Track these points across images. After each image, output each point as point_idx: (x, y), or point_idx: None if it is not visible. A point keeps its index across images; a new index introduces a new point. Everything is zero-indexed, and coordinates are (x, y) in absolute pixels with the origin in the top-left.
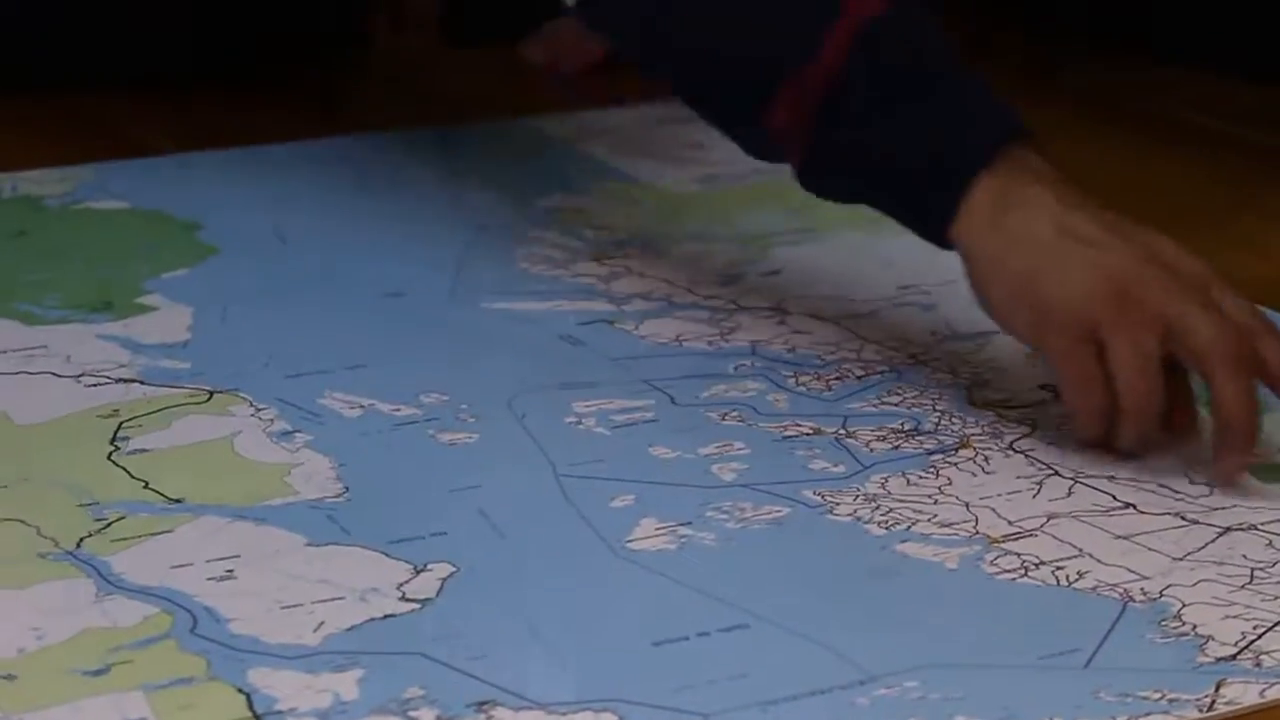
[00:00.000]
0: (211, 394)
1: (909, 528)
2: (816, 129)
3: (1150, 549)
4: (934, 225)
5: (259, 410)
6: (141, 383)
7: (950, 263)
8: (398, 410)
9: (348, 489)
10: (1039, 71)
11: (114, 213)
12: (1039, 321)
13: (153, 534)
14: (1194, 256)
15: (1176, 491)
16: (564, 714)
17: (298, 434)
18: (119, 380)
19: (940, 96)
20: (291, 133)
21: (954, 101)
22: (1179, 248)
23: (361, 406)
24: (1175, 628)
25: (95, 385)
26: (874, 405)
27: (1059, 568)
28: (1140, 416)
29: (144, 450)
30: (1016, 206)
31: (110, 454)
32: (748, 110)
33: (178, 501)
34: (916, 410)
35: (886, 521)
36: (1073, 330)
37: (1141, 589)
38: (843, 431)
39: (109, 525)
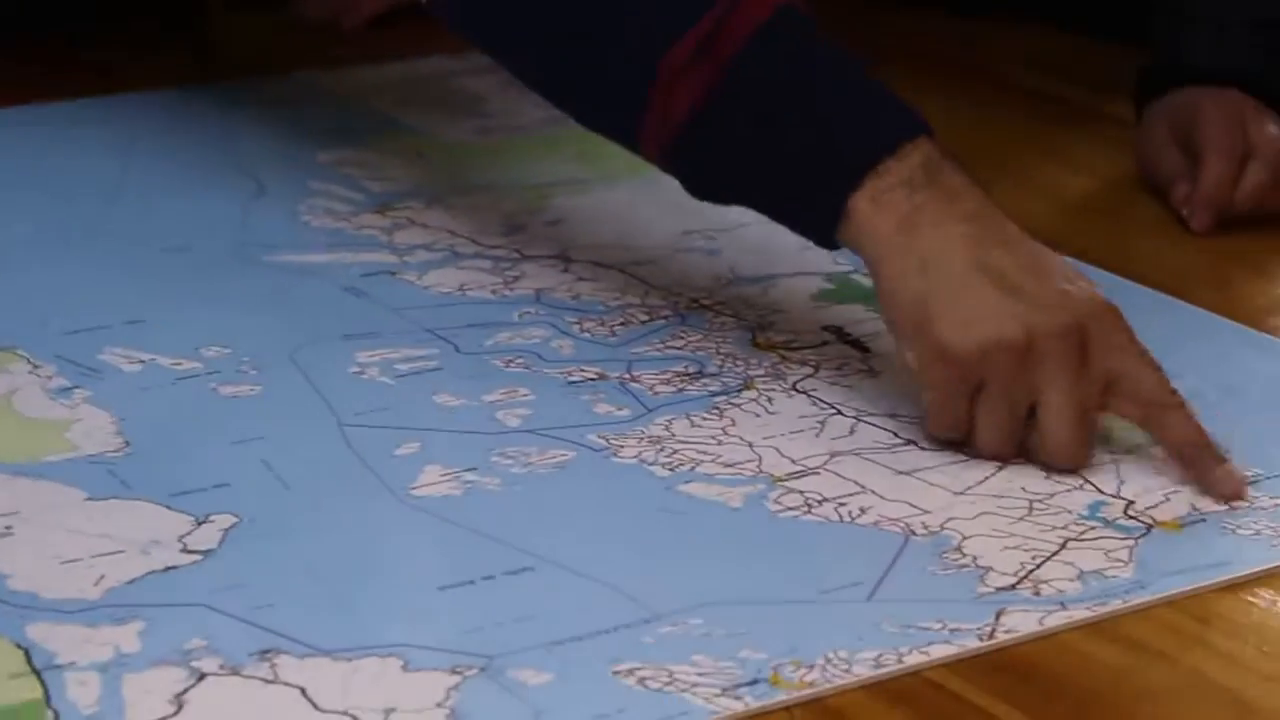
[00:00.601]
0: None
1: (693, 468)
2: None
3: (931, 484)
4: (824, 227)
5: (37, 367)
6: None
7: (734, 210)
8: (178, 364)
9: (128, 443)
10: (853, 23)
11: None
12: (931, 356)
13: None
14: (1098, 293)
15: None
16: (349, 659)
17: (77, 390)
18: None
19: (836, 95)
20: (68, 93)
21: (851, 100)
22: (1090, 284)
23: (141, 361)
24: (956, 560)
25: None
26: (658, 349)
27: (841, 504)
28: (1068, 463)
29: None
30: (930, 225)
31: None
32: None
33: None
34: (700, 353)
35: (671, 463)
36: (961, 374)
37: (923, 523)
38: (627, 376)
39: None
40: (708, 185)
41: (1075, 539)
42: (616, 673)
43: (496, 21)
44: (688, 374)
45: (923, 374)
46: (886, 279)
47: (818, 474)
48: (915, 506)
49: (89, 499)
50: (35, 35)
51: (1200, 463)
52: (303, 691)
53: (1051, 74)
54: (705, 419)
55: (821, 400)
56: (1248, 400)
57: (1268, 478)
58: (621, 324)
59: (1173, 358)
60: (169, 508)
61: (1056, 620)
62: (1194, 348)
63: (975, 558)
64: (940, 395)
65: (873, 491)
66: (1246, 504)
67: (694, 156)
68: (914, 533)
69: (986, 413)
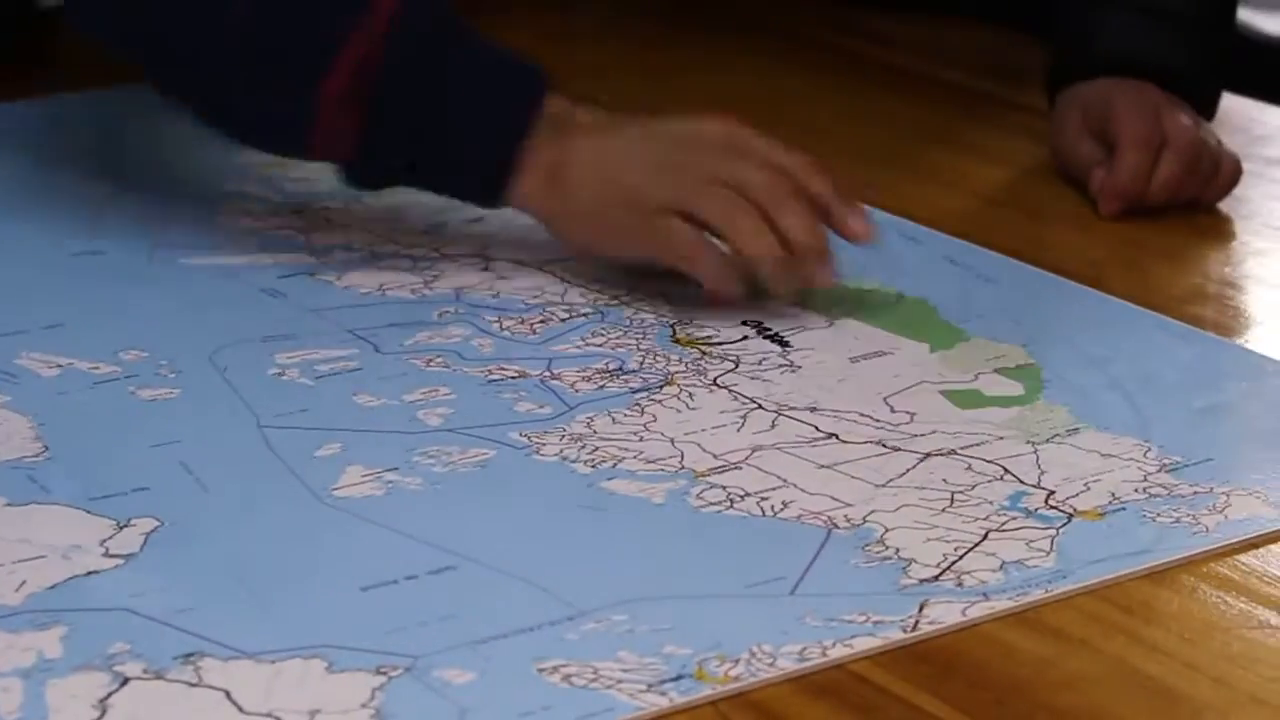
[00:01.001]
0: None
1: (615, 465)
2: (368, 113)
3: (853, 477)
4: (490, 192)
5: None
6: None
7: None
8: (96, 368)
9: (47, 448)
10: (750, 22)
11: None
12: (628, 230)
13: None
14: (717, 121)
15: (877, 420)
16: (272, 661)
17: None
18: None
19: (474, 67)
20: None
21: (487, 72)
22: (700, 120)
23: (59, 366)
24: (879, 552)
25: None
26: (578, 347)
27: (764, 498)
28: (757, 245)
29: None
30: (567, 165)
31: None
32: (302, 82)
33: None
34: (621, 350)
35: (593, 460)
36: (659, 209)
37: (845, 516)
38: (548, 373)
39: None
40: (378, 185)
41: (997, 530)
42: (541, 670)
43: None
44: (608, 371)
45: (648, 245)
46: (557, 231)
47: (739, 469)
48: (837, 500)
49: (8, 504)
50: None
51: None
52: (227, 694)
53: (958, 66)
54: (627, 415)
55: (742, 395)
56: (1165, 388)
57: (1186, 465)
58: (541, 321)
59: (1093, 349)
60: (89, 512)
61: (979, 611)
62: (1111, 337)
63: (898, 550)
64: (677, 241)
65: (795, 485)
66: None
67: (365, 175)
68: (836, 526)
69: (709, 215)
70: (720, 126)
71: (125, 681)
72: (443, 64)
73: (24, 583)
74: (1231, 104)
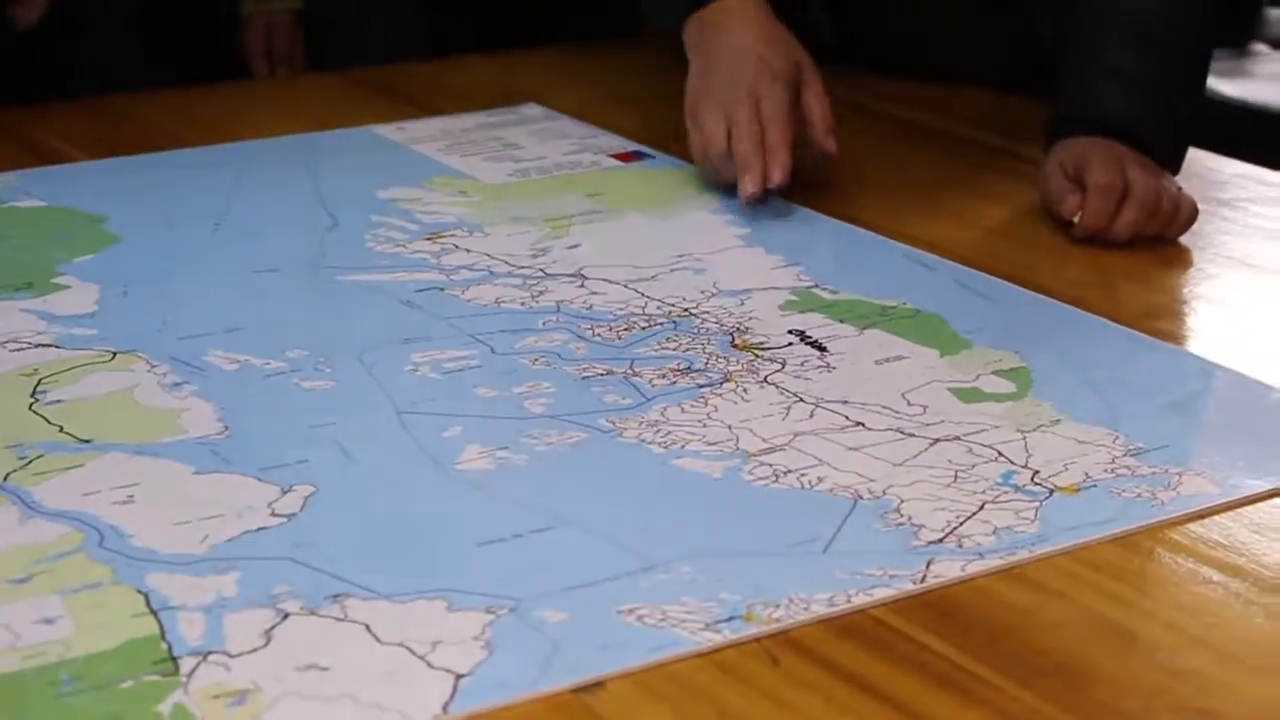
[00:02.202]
0: (114, 354)
1: (683, 446)
2: None
3: (875, 457)
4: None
5: (154, 367)
6: (57, 347)
7: (717, 235)
8: (268, 364)
9: (227, 428)
10: None
11: (33, 210)
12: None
13: (67, 468)
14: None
15: (896, 411)
16: (404, 602)
17: (186, 385)
18: (38, 345)
19: None
20: (181, 141)
21: None
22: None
23: (238, 361)
24: (895, 519)
25: (18, 350)
26: (655, 350)
27: (803, 475)
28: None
29: (59, 401)
30: (702, 45)
31: (31, 405)
32: None
33: (87, 441)
34: (689, 353)
35: (665, 442)
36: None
37: (868, 489)
38: (630, 371)
39: (30, 462)
40: None
41: (991, 501)
42: (619, 612)
43: None
44: (679, 370)
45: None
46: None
47: (784, 450)
48: (862, 476)
49: (195, 473)
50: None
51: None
52: (367, 628)
53: (970, 123)
54: (693, 406)
55: (787, 390)
56: (1132, 389)
57: (1147, 450)
58: (626, 329)
59: (1073, 356)
60: (260, 480)
61: (975, 568)
62: (1090, 348)
63: (910, 517)
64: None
65: (828, 464)
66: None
67: None
68: (861, 497)
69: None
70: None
71: (286, 616)
72: None
73: (206, 536)
74: (1195, 155)
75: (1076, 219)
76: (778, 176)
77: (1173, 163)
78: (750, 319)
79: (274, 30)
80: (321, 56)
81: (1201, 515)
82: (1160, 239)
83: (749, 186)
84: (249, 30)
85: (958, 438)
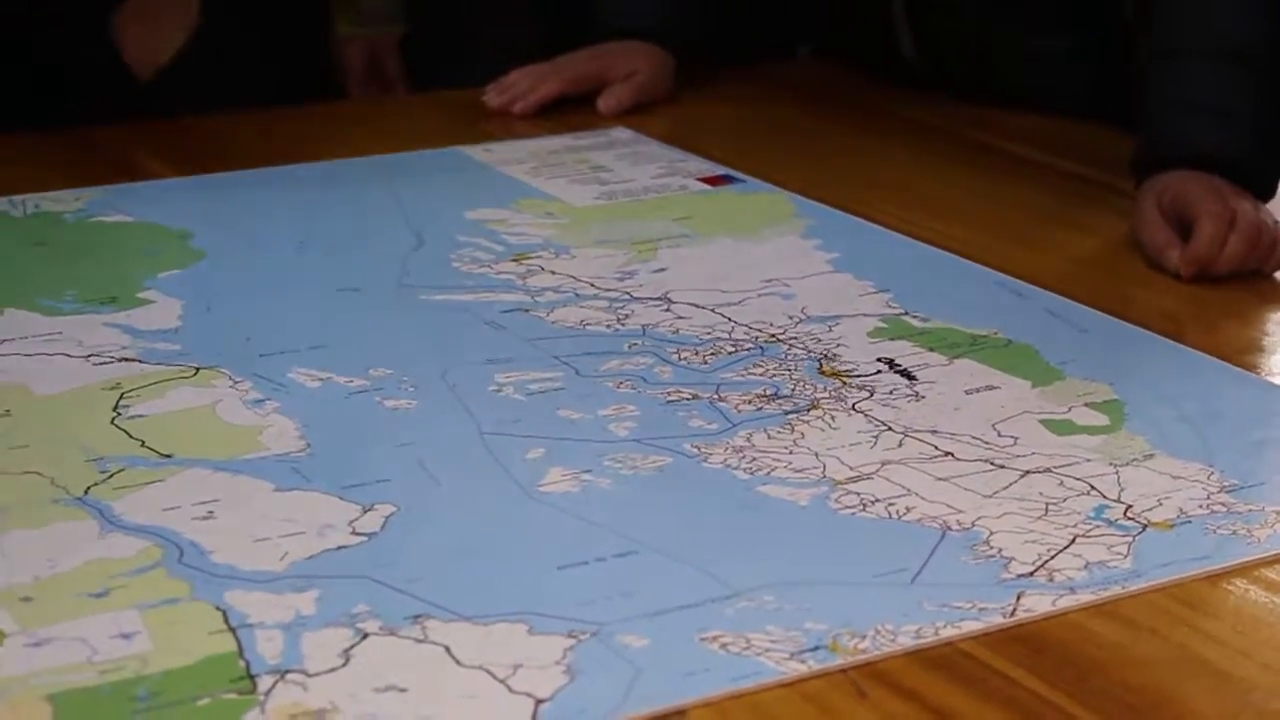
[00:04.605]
0: (198, 370)
1: (769, 473)
2: None
3: (965, 488)
4: None
5: (237, 383)
6: (140, 361)
7: (806, 260)
8: (351, 382)
9: (309, 445)
10: (896, 115)
11: (119, 225)
12: None
13: (148, 483)
14: None
15: (986, 442)
16: (485, 624)
17: (268, 401)
18: (121, 359)
19: None
20: (268, 160)
21: None
22: None
23: (321, 379)
24: (984, 551)
25: (101, 364)
26: (741, 375)
27: (890, 504)
28: None
29: (141, 416)
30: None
31: (113, 419)
32: None
33: (168, 456)
34: (777, 379)
35: (750, 468)
36: None
37: (957, 520)
38: (716, 396)
39: (111, 476)
40: None
41: (1083, 535)
42: (703, 639)
43: None
44: (765, 395)
45: None
46: None
47: (871, 479)
48: (951, 507)
49: (276, 490)
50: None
51: None
52: (447, 650)
53: (1064, 156)
54: (779, 432)
55: (875, 419)
56: (1228, 424)
57: (1243, 487)
58: (712, 354)
59: (1167, 389)
60: (341, 498)
61: (1066, 602)
62: (1185, 381)
63: (1000, 550)
64: None
65: (916, 494)
66: None
67: None
68: (950, 529)
69: None
70: None
71: (365, 636)
72: None
73: (286, 554)
74: None
75: (1181, 269)
76: (494, 100)
77: (1267, 193)
78: (838, 345)
79: (377, 53)
80: (425, 79)
81: None
82: (1257, 273)
83: (494, 98)
84: (348, 51)
85: (1049, 470)
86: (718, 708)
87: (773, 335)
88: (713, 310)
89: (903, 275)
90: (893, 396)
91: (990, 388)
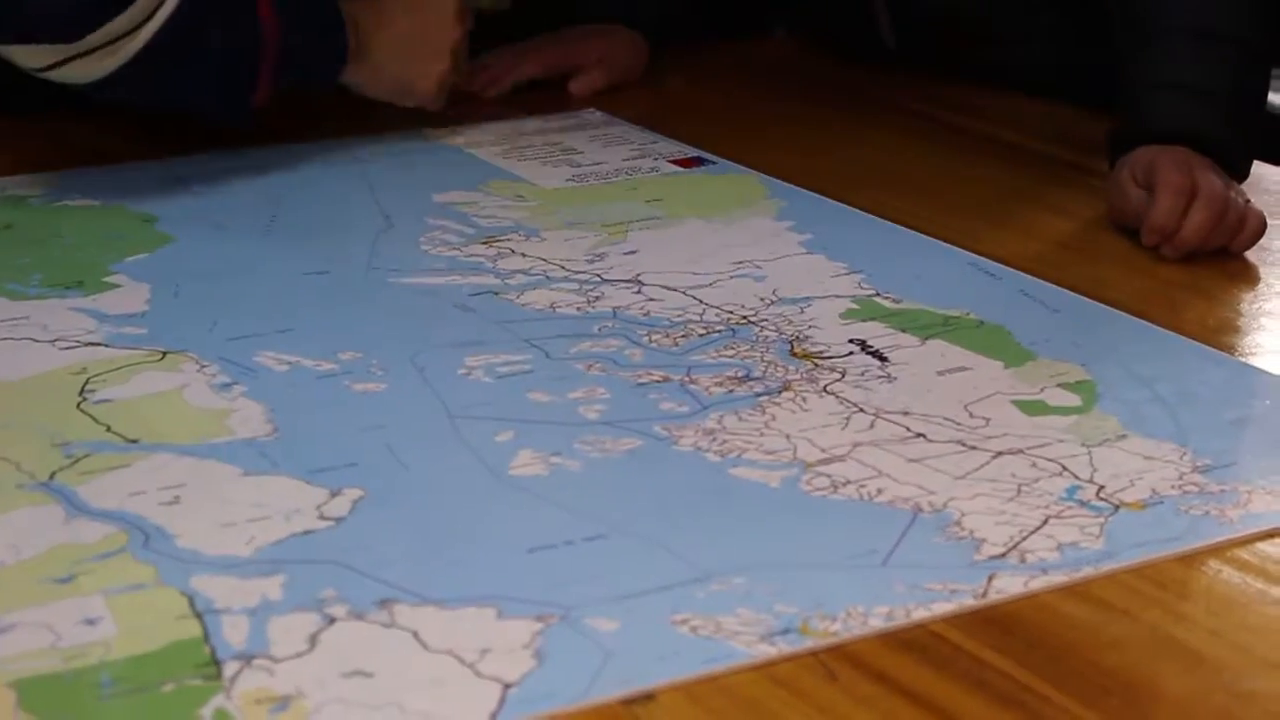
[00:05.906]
0: (164, 354)
1: (740, 455)
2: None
3: (936, 470)
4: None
5: (204, 367)
6: (106, 346)
7: (777, 242)
8: (319, 365)
9: (277, 429)
10: (871, 97)
11: (85, 209)
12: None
13: (113, 468)
14: None
15: (958, 423)
16: (453, 608)
17: (235, 385)
18: (88, 344)
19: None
20: (236, 144)
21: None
22: None
23: (289, 363)
24: (956, 533)
25: (67, 348)
26: (713, 357)
27: (862, 486)
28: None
29: (107, 400)
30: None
31: (79, 403)
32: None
33: (134, 441)
34: (748, 361)
35: (722, 450)
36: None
37: (929, 502)
38: (687, 378)
39: (77, 461)
40: None
41: (1055, 516)
42: (673, 622)
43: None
44: (737, 378)
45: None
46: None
47: (843, 461)
48: (923, 488)
49: (243, 474)
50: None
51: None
52: (414, 634)
53: (1034, 135)
54: (750, 415)
55: (847, 400)
56: (1201, 404)
57: (1216, 467)
58: (683, 336)
59: (1140, 369)
60: (308, 482)
61: (1039, 583)
62: (1158, 362)
63: (972, 531)
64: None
65: (888, 475)
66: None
67: None
68: (921, 510)
69: None
70: None
71: (332, 621)
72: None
73: (253, 538)
74: (1263, 170)
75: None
76: (466, 83)
77: (1240, 171)
78: (810, 327)
79: None
80: None
81: (1272, 534)
82: (1226, 253)
83: (465, 81)
84: None
85: (1021, 451)
86: (688, 691)
87: (744, 317)
88: (684, 292)
89: (875, 256)
90: (864, 378)
91: (962, 369)
